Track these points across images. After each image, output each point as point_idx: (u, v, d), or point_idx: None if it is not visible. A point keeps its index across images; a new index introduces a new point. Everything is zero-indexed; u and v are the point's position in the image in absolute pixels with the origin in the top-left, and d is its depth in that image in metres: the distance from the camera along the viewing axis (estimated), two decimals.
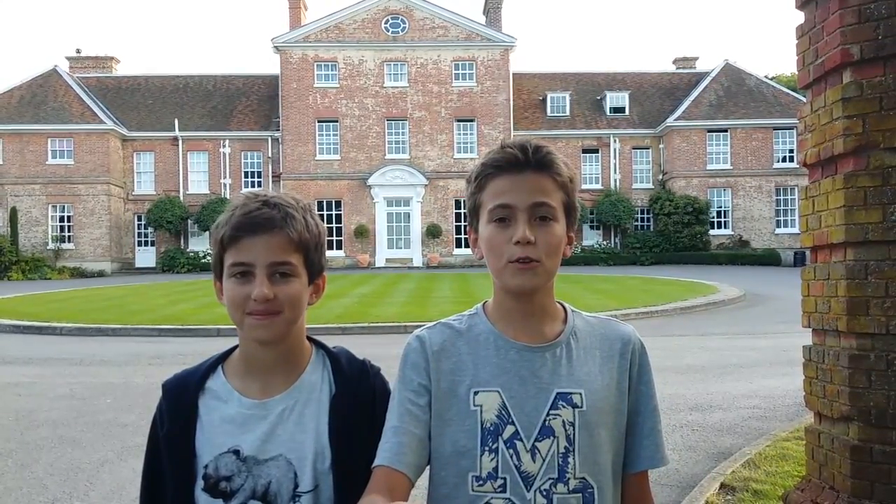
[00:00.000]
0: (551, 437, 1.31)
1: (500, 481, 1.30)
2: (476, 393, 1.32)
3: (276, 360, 1.39)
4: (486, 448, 1.31)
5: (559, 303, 1.44)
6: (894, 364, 3.48)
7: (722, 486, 4.82)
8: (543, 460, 1.31)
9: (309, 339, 1.47)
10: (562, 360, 1.35)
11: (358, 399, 1.40)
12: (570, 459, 1.31)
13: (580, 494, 1.31)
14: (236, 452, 1.34)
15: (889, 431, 3.50)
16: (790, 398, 7.57)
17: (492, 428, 1.31)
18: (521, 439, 1.31)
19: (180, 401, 1.38)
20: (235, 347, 1.46)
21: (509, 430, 1.31)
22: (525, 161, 1.33)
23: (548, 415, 1.32)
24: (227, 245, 1.34)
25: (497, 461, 1.30)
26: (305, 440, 1.36)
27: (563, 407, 1.32)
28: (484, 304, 1.46)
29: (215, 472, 1.33)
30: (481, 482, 1.30)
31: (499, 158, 1.35)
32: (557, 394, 1.33)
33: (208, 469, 1.33)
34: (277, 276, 1.34)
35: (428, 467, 1.36)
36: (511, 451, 1.31)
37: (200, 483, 1.33)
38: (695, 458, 5.77)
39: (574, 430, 1.32)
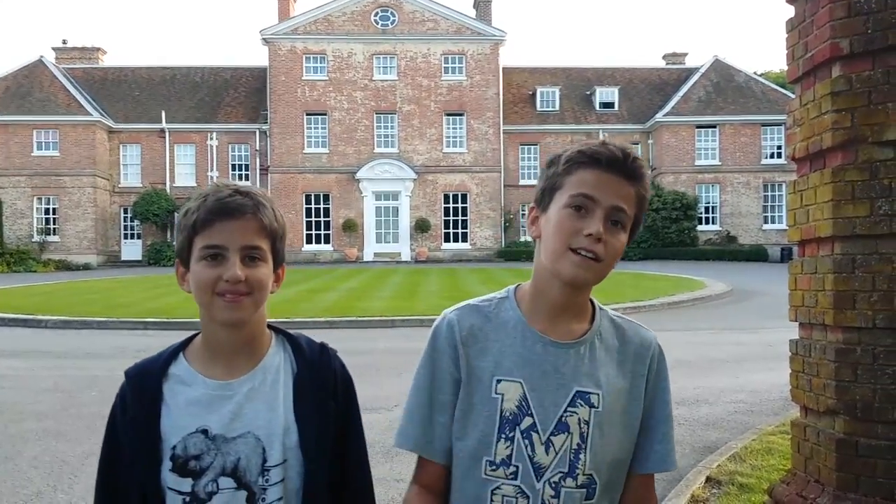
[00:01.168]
0: (566, 433, 1.35)
1: (512, 469, 1.34)
2: (499, 381, 1.36)
3: (239, 342, 1.44)
4: (503, 435, 1.34)
5: (590, 299, 1.46)
6: (880, 358, 3.49)
7: (708, 479, 4.83)
8: (556, 454, 1.35)
9: (268, 325, 1.53)
10: (584, 359, 1.38)
11: (320, 378, 1.47)
12: (582, 456, 1.35)
13: (585, 490, 1.36)
14: (204, 432, 1.38)
15: (874, 425, 3.51)
16: (776, 393, 7.61)
17: (511, 417, 1.35)
18: (537, 431, 1.35)
19: (144, 386, 1.42)
20: (193, 336, 1.51)
21: (527, 421, 1.35)
22: (622, 164, 1.35)
23: (565, 411, 1.36)
24: (200, 229, 1.39)
25: (512, 449, 1.34)
26: (272, 417, 1.41)
27: (581, 406, 1.36)
28: (516, 287, 1.47)
29: (184, 451, 1.37)
30: (494, 467, 1.35)
31: (600, 152, 1.35)
32: (577, 392, 1.37)
33: (177, 450, 1.37)
34: (248, 260, 1.40)
35: None
36: (527, 441, 1.34)
37: (168, 464, 1.38)
38: (681, 452, 5.79)
39: (588, 428, 1.36)
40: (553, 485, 1.34)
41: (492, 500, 1.35)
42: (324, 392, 1.46)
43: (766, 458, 5.22)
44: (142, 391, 1.42)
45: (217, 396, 1.41)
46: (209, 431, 1.39)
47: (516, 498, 1.34)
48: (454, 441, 1.39)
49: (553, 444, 1.35)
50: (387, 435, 6.37)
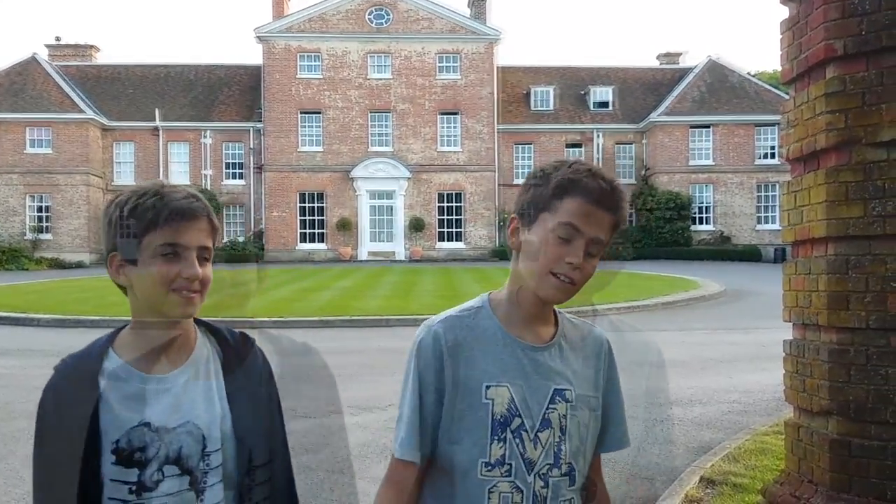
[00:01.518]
0: (549, 429, 1.49)
1: (506, 467, 1.46)
2: (488, 387, 1.47)
3: (175, 336, 1.52)
4: (496, 437, 1.46)
5: None
6: (874, 359, 3.50)
7: (702, 479, 4.84)
8: (543, 448, 1.48)
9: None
10: (556, 359, 1.53)
11: (246, 366, 1.58)
12: (563, 447, 1.50)
13: (568, 477, 1.51)
14: (147, 425, 1.45)
15: (868, 426, 3.52)
16: (769, 393, 7.63)
17: (502, 420, 1.47)
18: (526, 430, 1.47)
19: (80, 383, 1.47)
20: (118, 331, 1.56)
21: (516, 421, 1.47)
22: (609, 198, 1.45)
23: (547, 409, 1.50)
24: (159, 226, 1.45)
25: (505, 449, 1.46)
26: (208, 406, 1.51)
27: (559, 402, 1.50)
28: (489, 296, 1.58)
29: (128, 444, 1.44)
30: (490, 468, 1.46)
31: (591, 186, 1.43)
32: (554, 390, 1.51)
33: (120, 443, 1.43)
34: (200, 260, 1.49)
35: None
36: (517, 440, 1.47)
37: (111, 458, 1.43)
38: (675, 452, 5.80)
39: (566, 421, 1.50)
40: (542, 476, 1.47)
41: (489, 499, 1.45)
42: (251, 379, 1.57)
43: (760, 458, 5.23)
44: (78, 388, 1.46)
45: (155, 390, 1.48)
46: (152, 424, 1.46)
47: (511, 493, 1.46)
48: (447, 446, 1.49)
49: (540, 440, 1.47)
50: (381, 434, 6.36)
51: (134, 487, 1.44)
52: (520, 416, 1.47)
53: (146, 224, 1.45)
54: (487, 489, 1.46)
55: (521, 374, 1.48)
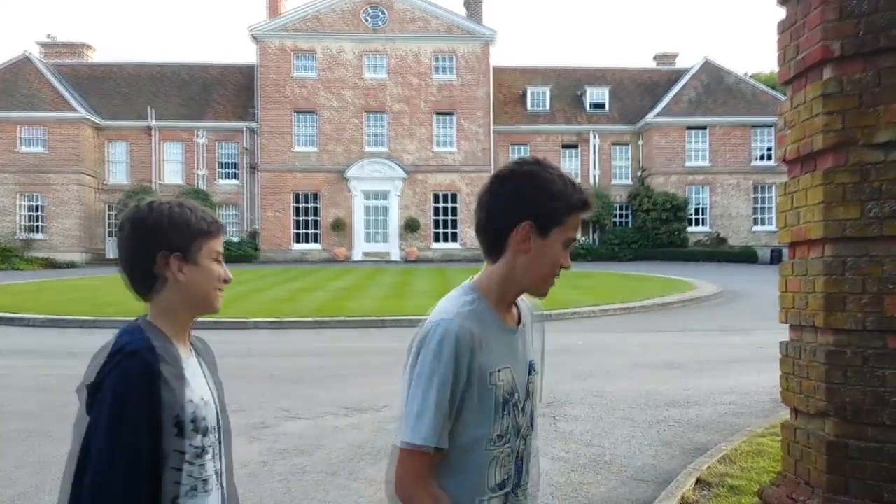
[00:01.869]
0: (529, 396, 1.73)
1: (506, 437, 1.66)
2: (493, 373, 1.63)
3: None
4: (500, 415, 1.64)
5: None
6: (870, 360, 3.49)
7: (698, 481, 4.83)
8: (525, 415, 1.71)
9: None
10: (526, 335, 1.76)
11: (210, 355, 1.89)
12: (535, 409, 1.77)
13: (533, 429, 1.77)
14: (201, 398, 1.74)
15: (865, 427, 3.51)
16: (765, 395, 7.62)
17: (504, 399, 1.65)
18: (519, 402, 1.68)
19: (153, 365, 1.64)
20: (137, 324, 1.74)
21: (514, 398, 1.67)
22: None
23: (528, 381, 1.73)
24: (212, 235, 1.77)
25: (505, 423, 1.65)
26: (210, 385, 1.82)
27: (533, 372, 1.76)
28: (474, 285, 1.71)
29: (194, 415, 1.70)
30: (493, 442, 1.64)
31: (589, 203, 1.67)
32: (529, 363, 1.75)
33: (197, 412, 1.71)
34: None
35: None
36: (513, 413, 1.67)
37: (190, 426, 1.68)
38: (671, 454, 5.79)
39: (534, 387, 1.76)
40: (523, 437, 1.70)
41: (490, 466, 1.64)
42: (214, 366, 1.89)
43: (756, 460, 5.22)
44: (151, 370, 1.64)
45: (192, 372, 1.76)
46: (202, 398, 1.74)
47: (505, 458, 1.66)
48: (460, 428, 1.60)
49: (525, 409, 1.71)
50: (376, 436, 6.33)
51: (199, 451, 1.71)
52: (515, 392, 1.67)
53: (207, 232, 1.76)
54: (490, 458, 1.63)
55: (513, 356, 1.68)
